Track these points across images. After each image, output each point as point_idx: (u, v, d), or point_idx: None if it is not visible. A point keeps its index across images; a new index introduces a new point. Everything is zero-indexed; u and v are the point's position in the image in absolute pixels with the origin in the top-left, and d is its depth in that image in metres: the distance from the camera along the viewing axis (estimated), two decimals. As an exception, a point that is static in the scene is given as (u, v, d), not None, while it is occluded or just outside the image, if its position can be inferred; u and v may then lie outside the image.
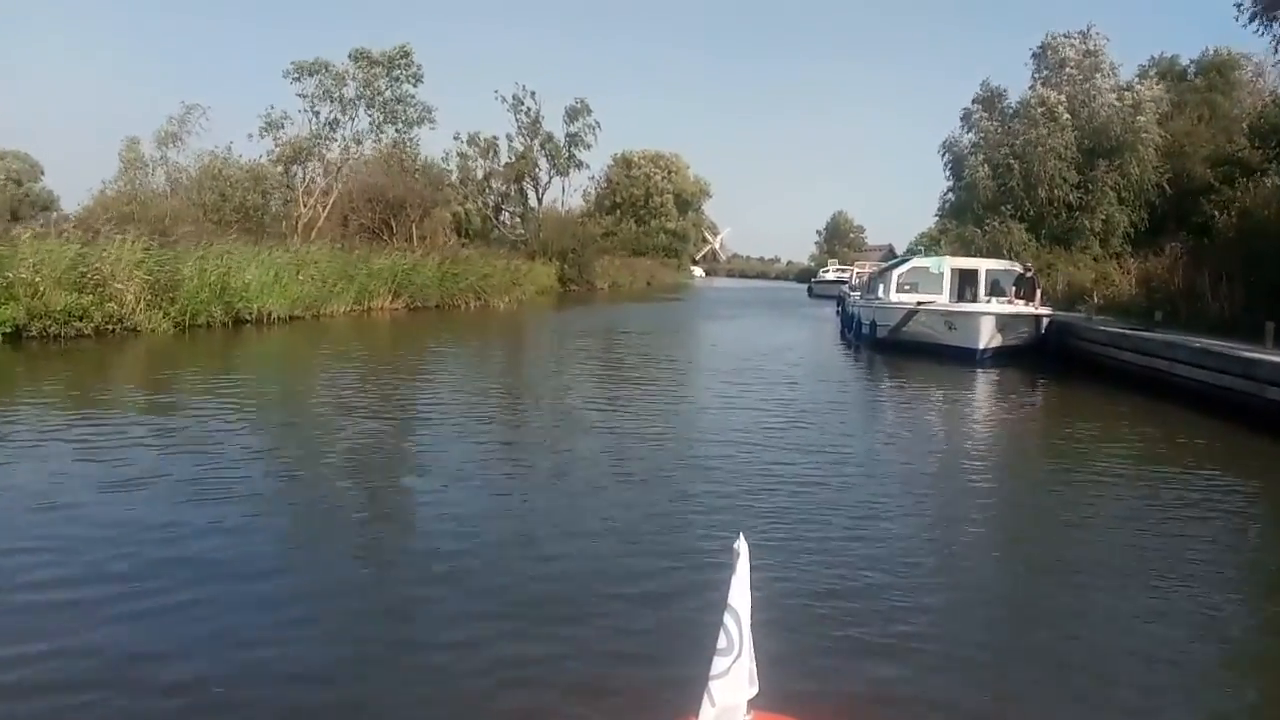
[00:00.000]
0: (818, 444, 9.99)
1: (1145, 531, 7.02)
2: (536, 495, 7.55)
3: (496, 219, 57.89)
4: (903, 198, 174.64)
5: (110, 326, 17.16)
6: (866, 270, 46.91)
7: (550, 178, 57.19)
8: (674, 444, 9.72)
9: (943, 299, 20.54)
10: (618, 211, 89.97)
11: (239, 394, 11.84)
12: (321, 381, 13.87)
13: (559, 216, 57.87)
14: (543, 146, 55.23)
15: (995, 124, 41.41)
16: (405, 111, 31.22)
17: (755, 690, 2.29)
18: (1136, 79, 42.54)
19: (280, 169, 32.02)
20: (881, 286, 22.31)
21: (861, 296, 27.09)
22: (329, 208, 32.43)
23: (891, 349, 20.27)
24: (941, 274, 20.78)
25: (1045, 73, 43.80)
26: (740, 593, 2.21)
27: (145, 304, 17.85)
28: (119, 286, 17.34)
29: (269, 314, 21.28)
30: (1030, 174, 40.26)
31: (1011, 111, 42.34)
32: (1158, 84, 41.54)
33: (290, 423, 10.54)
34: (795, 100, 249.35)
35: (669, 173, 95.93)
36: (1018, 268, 21.36)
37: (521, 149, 54.99)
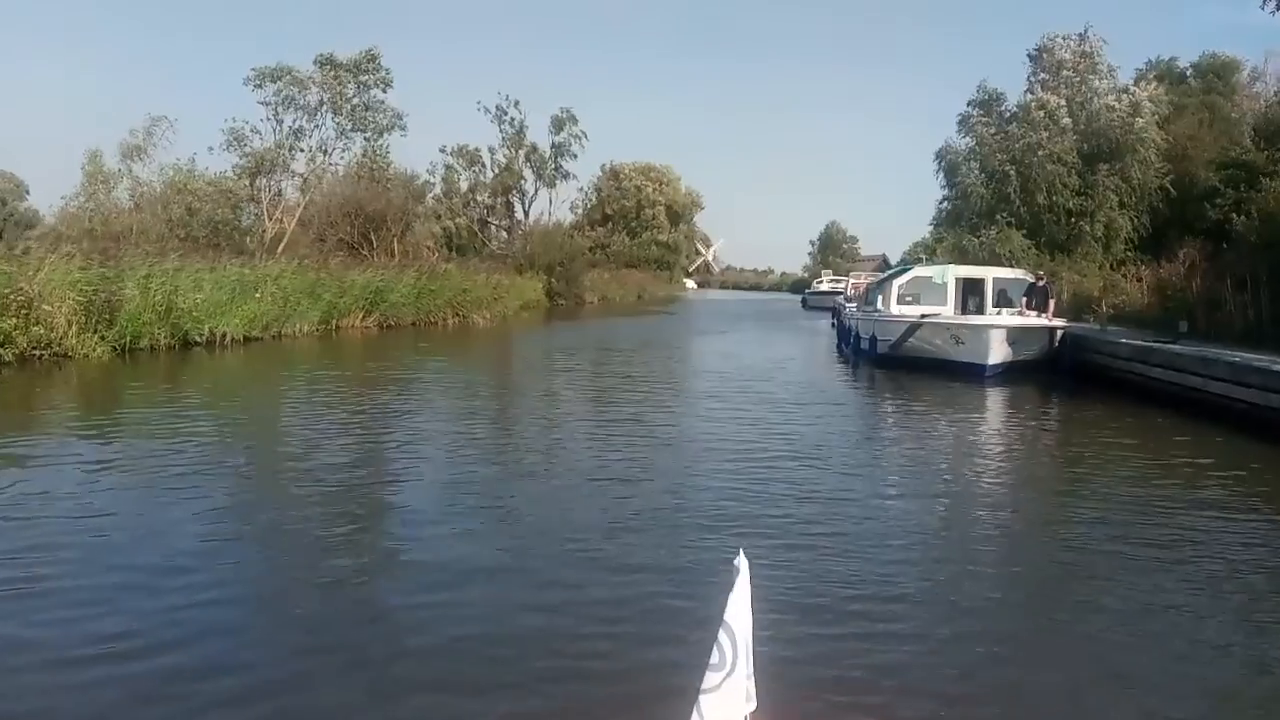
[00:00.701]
0: (814, 485, 8.48)
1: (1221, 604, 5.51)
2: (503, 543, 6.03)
3: (483, 233, 56.54)
4: (896, 208, 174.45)
5: (37, 352, 15.63)
6: (863, 281, 45.53)
7: (536, 190, 55.99)
8: (651, 490, 8.19)
9: (947, 311, 19.11)
10: (609, 224, 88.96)
11: (148, 430, 10.30)
12: (259, 411, 12.36)
13: (546, 229, 56.53)
14: (528, 158, 53.95)
15: (992, 129, 40.24)
16: (374, 118, 29.71)
17: (753, 706, 2.27)
18: (1134, 82, 41.51)
19: (245, 182, 30.49)
20: (880, 298, 20.87)
21: (858, 309, 25.64)
22: (295, 221, 30.88)
23: (893, 365, 18.81)
24: (945, 284, 19.36)
25: (1042, 75, 42.83)
26: (739, 609, 2.19)
27: (78, 327, 16.33)
28: (48, 309, 15.83)
29: (223, 335, 19.76)
30: (1028, 179, 39.16)
31: (1009, 115, 41.22)
32: (1156, 87, 40.52)
33: (211, 465, 8.90)
34: (787, 110, 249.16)
35: (660, 184, 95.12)
36: (1027, 277, 19.95)
37: (505, 161, 53.74)
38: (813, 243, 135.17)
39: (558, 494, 8.04)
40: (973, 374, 17.30)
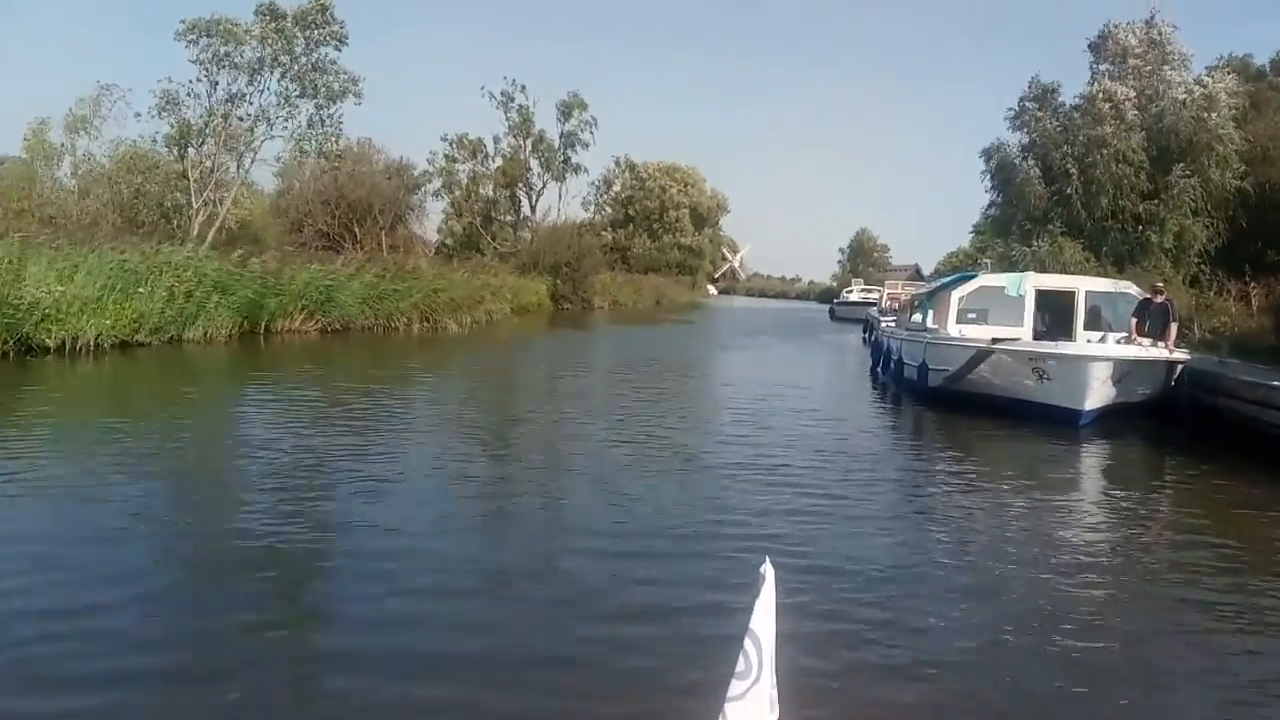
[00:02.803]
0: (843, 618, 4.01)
1: None
2: None
3: (486, 229, 52.18)
4: (930, 217, 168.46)
5: None
6: (900, 291, 40.64)
7: (544, 183, 51.51)
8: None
9: (1025, 333, 14.37)
10: (630, 225, 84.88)
11: None
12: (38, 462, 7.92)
13: (554, 226, 52.04)
14: (534, 148, 49.44)
15: (1054, 122, 35.40)
16: (325, 82, 25.34)
17: (775, 716, 2.25)
18: (1207, 73, 36.57)
19: (175, 155, 26.24)
20: (932, 313, 16.17)
21: (899, 325, 20.91)
22: (228, 204, 26.53)
23: (948, 403, 14.12)
24: (1023, 297, 14.58)
25: (1104, 66, 38.01)
26: (764, 617, 2.17)
27: None
28: None
29: (84, 340, 15.44)
30: (1092, 180, 34.44)
31: (1070, 108, 36.35)
32: (1235, 80, 35.65)
33: None
34: (817, 116, 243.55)
35: (685, 186, 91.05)
36: (1130, 289, 15.09)
37: (510, 151, 49.28)
38: (842, 251, 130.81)
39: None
40: (1062, 421, 12.64)
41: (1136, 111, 34.19)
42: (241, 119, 25.73)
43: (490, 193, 51.29)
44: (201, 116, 25.10)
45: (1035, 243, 34.31)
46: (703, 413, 13.56)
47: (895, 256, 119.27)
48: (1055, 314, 14.98)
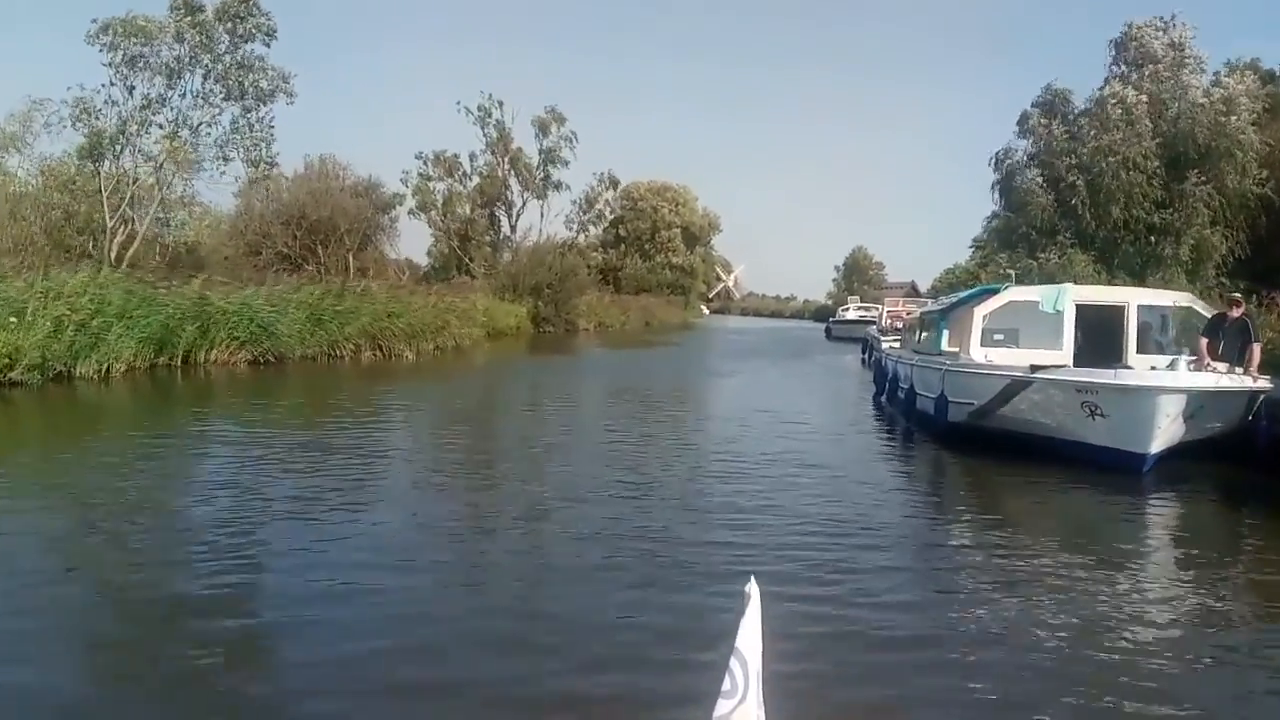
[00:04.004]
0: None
1: None
2: None
3: (464, 249, 49.67)
4: (925, 234, 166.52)
5: None
6: (901, 308, 38.13)
7: (524, 201, 49.04)
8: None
9: (1064, 357, 11.78)
10: (621, 245, 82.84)
11: None
12: None
13: (535, 245, 49.54)
14: (512, 165, 46.97)
15: (1060, 128, 33.16)
16: (253, 81, 22.72)
17: None
18: (1226, 73, 34.48)
19: (91, 169, 23.62)
20: (948, 334, 13.60)
21: (905, 346, 18.36)
22: (147, 222, 23.89)
23: (973, 443, 11.55)
24: (1061, 314, 11.99)
25: (1122, 68, 35.92)
26: (749, 637, 2.13)
27: None
28: None
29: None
30: (1100, 189, 32.21)
31: (1078, 112, 34.15)
32: (1254, 81, 33.52)
33: None
34: (811, 133, 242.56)
35: (676, 205, 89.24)
36: (1195, 302, 12.50)
37: (487, 169, 46.78)
38: (837, 268, 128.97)
39: None
40: (1118, 467, 10.07)
41: (1148, 117, 32.02)
42: (161, 126, 23.15)
43: (468, 212, 48.77)
44: (116, 125, 22.48)
45: (1041, 255, 32.17)
46: (668, 461, 10.93)
47: (891, 274, 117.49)
48: (1100, 334, 12.38)
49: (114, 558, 6.44)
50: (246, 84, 22.68)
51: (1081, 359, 11.89)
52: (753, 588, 2.18)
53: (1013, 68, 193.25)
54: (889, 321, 35.48)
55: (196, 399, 15.86)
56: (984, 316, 12.17)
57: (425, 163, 47.04)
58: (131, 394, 15.57)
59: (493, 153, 47.34)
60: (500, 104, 46.49)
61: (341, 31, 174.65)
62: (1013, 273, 16.62)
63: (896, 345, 23.02)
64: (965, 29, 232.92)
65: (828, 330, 58.22)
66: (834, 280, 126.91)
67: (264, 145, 24.17)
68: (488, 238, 49.57)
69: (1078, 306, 12.16)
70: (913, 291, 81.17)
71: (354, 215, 39.37)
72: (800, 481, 9.62)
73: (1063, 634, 5.48)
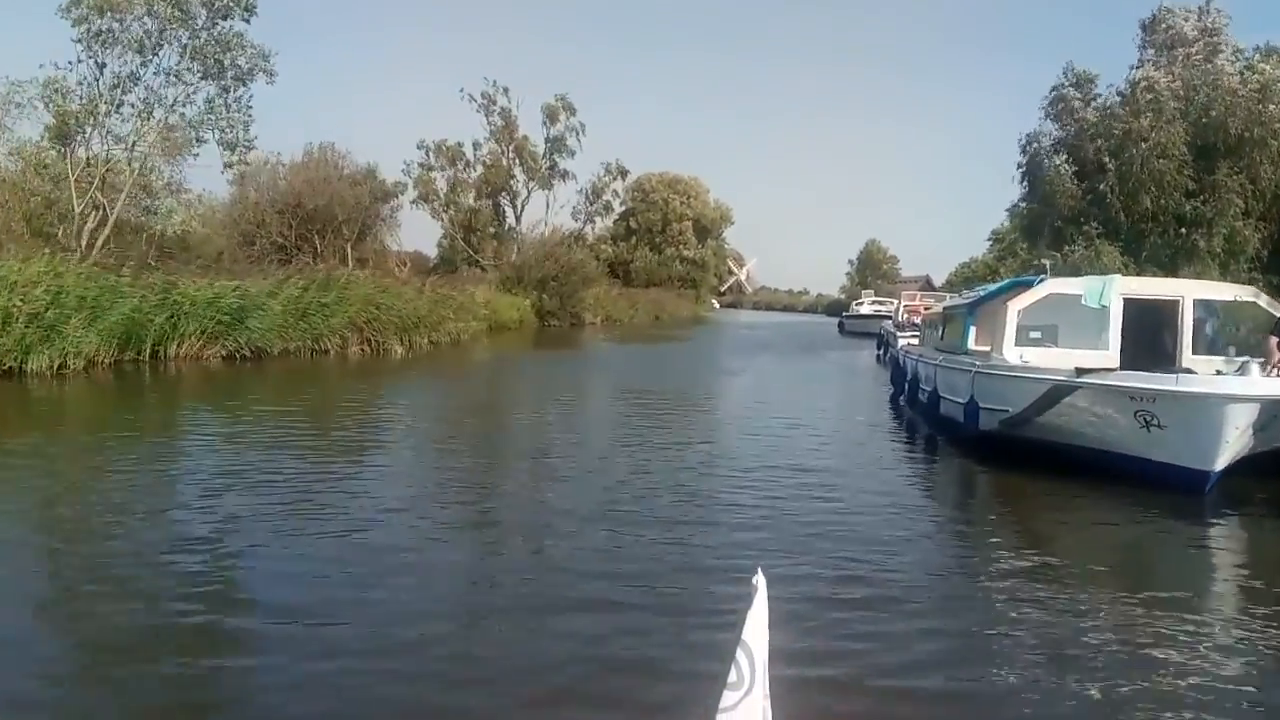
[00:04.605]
0: None
1: None
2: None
3: (468, 241, 48.40)
4: (939, 228, 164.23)
5: None
6: (918, 303, 36.61)
7: (529, 192, 47.65)
8: None
9: (1110, 358, 10.39)
10: (632, 238, 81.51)
11: None
12: None
13: (541, 237, 48.22)
14: (517, 153, 45.58)
15: (1093, 111, 31.62)
16: (231, 59, 21.37)
17: None
18: (1259, 57, 32.76)
19: (58, 151, 22.41)
20: (975, 331, 12.23)
21: (925, 342, 16.99)
22: (119, 206, 22.59)
23: (1007, 453, 10.21)
24: (1106, 309, 10.59)
25: (1150, 53, 34.32)
26: (756, 628, 2.11)
27: None
28: None
29: None
30: (1129, 178, 30.69)
31: (1106, 96, 32.54)
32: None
33: None
34: (826, 125, 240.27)
35: (688, 197, 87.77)
36: (1260, 297, 11.05)
37: (490, 159, 45.40)
38: (851, 262, 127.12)
39: None
40: (1176, 485, 8.72)
41: (1178, 103, 30.43)
42: (134, 106, 21.87)
43: (471, 202, 47.47)
44: (83, 104, 21.22)
45: (1068, 246, 30.72)
46: (666, 471, 9.61)
47: (905, 268, 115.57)
48: (1150, 332, 10.98)
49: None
50: (226, 62, 21.35)
51: (1129, 360, 10.49)
52: (760, 579, 2.16)
53: (1029, 60, 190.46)
54: (906, 317, 34.01)
55: (142, 398, 14.66)
56: (1019, 312, 10.74)
57: (427, 153, 45.78)
58: (83, 392, 14.36)
59: (497, 141, 45.96)
60: (505, 90, 45.17)
61: (344, 20, 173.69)
62: (1048, 263, 15.09)
63: (915, 342, 21.62)
64: (980, 21, 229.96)
65: (841, 325, 56.74)
66: (847, 274, 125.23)
67: (241, 127, 22.88)
68: (492, 229, 48.21)
69: (1124, 300, 10.74)
70: (928, 285, 79.53)
71: (352, 205, 38.14)
72: (813, 506, 8.28)
73: (1112, 682, 4.59)
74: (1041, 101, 33.61)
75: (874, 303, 55.95)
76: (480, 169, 46.38)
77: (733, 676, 2.08)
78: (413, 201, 47.44)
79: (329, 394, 16.15)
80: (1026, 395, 9.63)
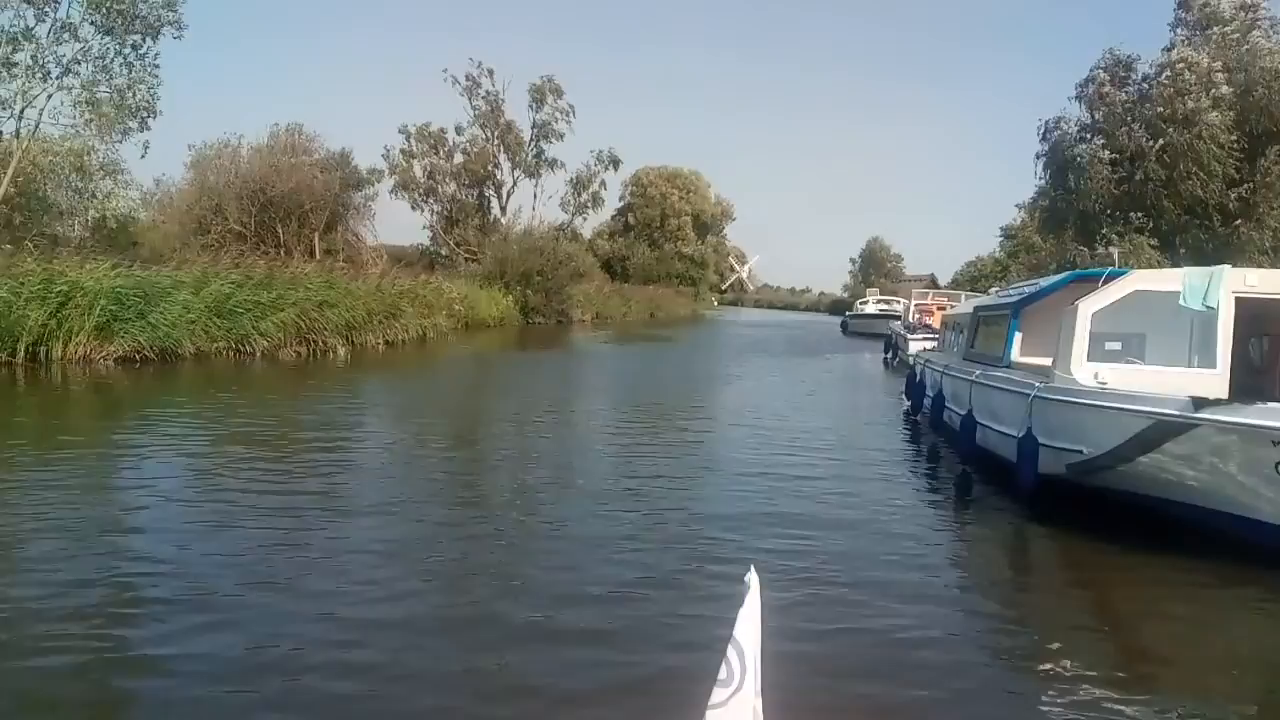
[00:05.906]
0: None
1: None
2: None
3: (449, 232, 45.57)
4: (943, 228, 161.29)
5: None
6: (932, 302, 33.70)
7: (515, 181, 44.79)
8: None
9: (1218, 379, 7.58)
10: (630, 234, 78.94)
11: None
12: None
13: (526, 229, 45.41)
14: (502, 139, 42.72)
15: (1131, 93, 29.07)
16: (134, 11, 18.33)
17: None
18: (1295, 40, 30.22)
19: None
20: (1019, 339, 9.44)
21: (947, 351, 14.14)
22: (5, 183, 19.68)
23: (1075, 508, 7.43)
24: (1215, 310, 7.74)
25: (1182, 31, 31.80)
26: (748, 626, 2.11)
27: None
28: None
29: None
30: (1172, 164, 28.18)
31: (1143, 78, 29.93)
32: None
33: None
34: (828, 121, 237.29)
35: (687, 192, 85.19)
36: None
37: (474, 146, 42.52)
38: (853, 260, 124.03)
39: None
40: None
41: (1227, 84, 27.84)
42: (25, 65, 18.93)
43: (453, 190, 44.64)
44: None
45: (1100, 240, 28.10)
46: (682, 529, 6.85)
47: (909, 266, 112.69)
48: (1269, 345, 8.17)
49: None
50: (128, 12, 18.33)
51: (1239, 382, 7.68)
52: (752, 577, 2.14)
53: (1029, 60, 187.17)
54: (918, 318, 31.14)
55: None
56: (1090, 312, 7.88)
57: (408, 138, 42.94)
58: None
59: (481, 126, 43.09)
60: (490, 72, 42.32)
61: (331, 9, 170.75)
62: (1115, 251, 12.23)
63: (929, 347, 18.81)
64: (984, 21, 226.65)
65: (844, 325, 53.97)
66: (850, 272, 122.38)
67: (146, 88, 19.89)
68: (475, 220, 45.35)
69: (1237, 299, 7.87)
70: (933, 284, 76.66)
71: (320, 192, 35.42)
72: (806, 592, 5.50)
73: None
74: (1075, 86, 30.93)
75: (880, 302, 53.10)
76: (461, 156, 43.51)
77: (723, 673, 2.09)
78: (391, 190, 44.68)
79: (220, 408, 13.27)
80: (1114, 433, 6.78)
